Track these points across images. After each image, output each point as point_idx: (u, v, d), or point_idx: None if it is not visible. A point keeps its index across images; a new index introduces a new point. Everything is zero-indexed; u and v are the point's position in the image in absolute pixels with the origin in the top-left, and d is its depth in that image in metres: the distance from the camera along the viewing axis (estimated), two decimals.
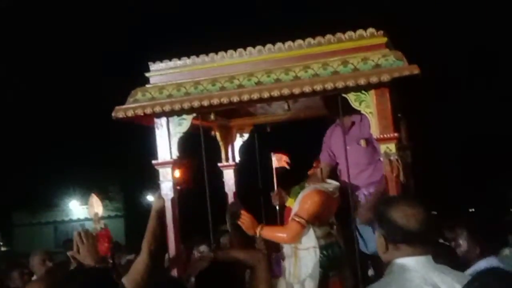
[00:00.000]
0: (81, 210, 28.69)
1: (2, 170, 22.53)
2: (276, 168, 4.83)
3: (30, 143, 24.10)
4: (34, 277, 5.07)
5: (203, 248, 7.91)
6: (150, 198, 32.18)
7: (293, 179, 4.78)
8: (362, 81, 3.50)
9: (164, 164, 3.99)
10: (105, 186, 28.34)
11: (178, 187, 4.07)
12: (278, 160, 4.85)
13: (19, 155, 23.97)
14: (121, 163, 24.80)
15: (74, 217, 28.64)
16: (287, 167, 4.84)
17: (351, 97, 3.64)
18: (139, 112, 3.91)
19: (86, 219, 27.92)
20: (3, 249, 18.76)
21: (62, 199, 28.50)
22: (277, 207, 4.71)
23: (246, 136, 5.05)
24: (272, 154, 4.84)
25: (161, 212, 3.84)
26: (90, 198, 3.86)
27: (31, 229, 27.68)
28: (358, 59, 3.62)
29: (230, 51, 3.92)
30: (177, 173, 4.07)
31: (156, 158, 4.03)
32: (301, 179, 4.54)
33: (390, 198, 3.21)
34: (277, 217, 4.77)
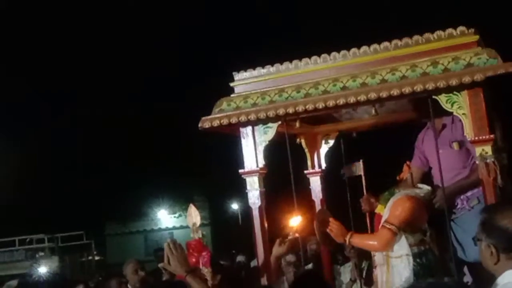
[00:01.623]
0: (169, 219, 29.42)
1: (95, 183, 23.48)
2: (357, 176, 4.73)
3: (120, 156, 24.98)
4: (129, 287, 5.21)
5: (289, 257, 7.89)
6: (234, 206, 32.62)
7: (381, 185, 4.67)
8: (454, 82, 3.35)
9: (250, 173, 3.98)
10: (191, 195, 28.93)
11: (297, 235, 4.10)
12: (349, 171, 4.75)
13: (109, 168, 24.89)
14: (206, 172, 25.23)
15: (163, 226, 29.39)
16: (361, 174, 4.72)
17: (442, 98, 3.49)
18: (225, 121, 3.92)
19: (174, 227, 28.72)
20: (96, 258, 19.48)
21: (151, 209, 29.33)
22: (367, 214, 4.61)
23: (331, 142, 4.97)
24: (357, 161, 4.74)
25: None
26: (189, 208, 3.91)
27: (122, 239, 28.64)
28: (448, 59, 3.47)
29: (314, 57, 3.87)
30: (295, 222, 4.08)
31: (242, 167, 4.03)
32: (389, 185, 4.42)
33: (494, 205, 3.03)
34: (365, 224, 4.67)
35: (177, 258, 3.36)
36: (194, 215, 3.82)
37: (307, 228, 4.32)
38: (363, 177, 4.74)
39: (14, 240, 16.66)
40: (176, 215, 29.59)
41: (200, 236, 3.73)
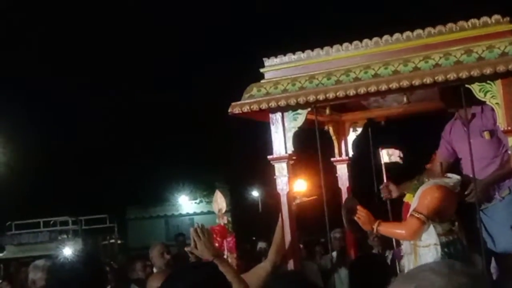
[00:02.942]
0: (190, 204, 29.63)
1: (117, 169, 23.69)
2: (387, 163, 4.71)
3: (142, 142, 25.16)
4: (155, 269, 5.26)
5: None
6: (255, 193, 32.71)
7: (407, 174, 4.65)
8: (488, 71, 3.32)
9: (279, 159, 3.98)
10: (211, 181, 29.06)
11: (305, 199, 4.06)
12: (391, 155, 4.72)
13: (131, 154, 25.10)
14: (228, 159, 25.31)
15: (184, 212, 29.61)
16: (400, 161, 4.71)
17: (475, 87, 3.46)
18: (255, 107, 3.92)
19: (195, 213, 28.92)
20: (119, 242, 19.70)
21: (172, 194, 29.55)
22: (388, 202, 4.61)
23: (359, 130, 4.95)
24: (380, 149, 4.72)
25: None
26: (215, 194, 3.94)
27: (144, 223, 28.91)
28: (482, 48, 3.43)
29: (345, 44, 3.85)
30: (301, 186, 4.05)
31: (270, 153, 4.03)
32: (415, 173, 4.40)
33: None
34: (392, 213, 4.66)
35: (204, 242, 3.38)
36: (220, 201, 3.84)
37: (314, 193, 4.31)
38: (383, 165, 4.72)
39: (39, 221, 16.88)
40: (197, 201, 29.78)
41: (226, 222, 3.75)
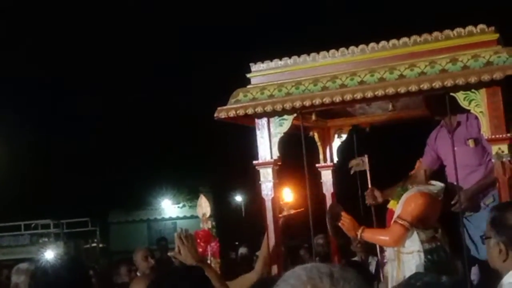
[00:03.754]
0: (173, 209, 29.49)
1: (99, 172, 23.55)
2: (358, 171, 4.74)
3: (125, 145, 25.03)
4: (138, 274, 5.24)
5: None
6: (238, 198, 32.68)
7: (391, 180, 4.68)
8: (473, 79, 3.35)
9: (265, 164, 3.99)
10: (195, 186, 28.97)
11: (292, 211, 4.06)
12: (357, 164, 4.75)
13: (113, 157, 24.95)
14: (211, 163, 25.27)
15: (166, 216, 29.44)
16: (366, 168, 4.73)
17: (460, 96, 3.49)
18: (241, 112, 3.92)
19: (178, 217, 28.79)
20: (100, 245, 19.58)
21: (155, 198, 29.38)
22: (372, 208, 4.63)
23: (344, 136, 4.98)
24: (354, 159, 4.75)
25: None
26: (199, 198, 3.93)
27: (126, 227, 28.67)
28: (468, 57, 3.47)
29: (332, 51, 3.87)
30: (288, 197, 4.05)
31: (256, 158, 4.03)
32: (399, 180, 4.43)
33: (505, 203, 3.05)
34: (376, 219, 4.68)
35: (187, 248, 3.38)
36: (204, 206, 3.84)
37: (301, 204, 4.31)
38: (368, 172, 4.75)
39: (20, 224, 16.73)
40: (180, 205, 29.63)
41: (210, 226, 3.75)
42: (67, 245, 15.83)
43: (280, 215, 4.02)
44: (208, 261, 3.78)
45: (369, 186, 4.67)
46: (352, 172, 4.82)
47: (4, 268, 9.28)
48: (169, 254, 3.53)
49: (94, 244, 18.31)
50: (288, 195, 4.15)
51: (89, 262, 11.73)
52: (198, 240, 3.82)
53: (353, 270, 1.38)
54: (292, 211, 4.12)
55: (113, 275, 5.12)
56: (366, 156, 4.75)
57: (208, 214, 3.83)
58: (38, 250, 13.85)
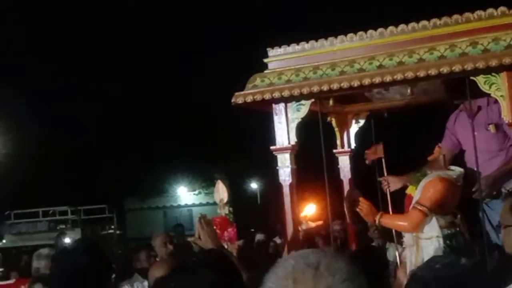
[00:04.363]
0: (189, 196, 29.63)
1: (115, 159, 23.69)
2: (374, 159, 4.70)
3: (141, 132, 25.12)
4: (158, 259, 5.27)
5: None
6: (253, 185, 32.73)
7: (410, 165, 4.64)
8: (493, 63, 3.30)
9: (282, 150, 3.97)
10: (211, 173, 29.05)
11: (312, 224, 4.03)
12: (372, 153, 4.70)
13: (130, 144, 25.07)
14: (227, 150, 25.29)
15: (182, 203, 29.60)
16: (382, 156, 4.69)
17: (480, 80, 3.44)
18: (258, 97, 3.90)
19: (194, 205, 28.92)
20: (117, 232, 19.74)
21: (170, 186, 29.53)
22: (388, 195, 4.60)
23: (362, 122, 4.94)
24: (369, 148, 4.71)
25: None
26: (216, 184, 3.93)
27: (142, 214, 28.88)
28: (488, 40, 3.41)
29: (350, 35, 3.83)
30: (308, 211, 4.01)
31: (273, 144, 4.01)
32: (418, 165, 4.40)
33: None
34: (393, 204, 4.66)
35: (207, 233, 3.38)
36: (221, 191, 3.84)
37: (322, 217, 4.28)
38: (383, 159, 4.72)
39: (38, 211, 16.90)
40: (196, 192, 29.76)
41: (227, 212, 3.75)
42: (85, 232, 15.97)
43: (300, 229, 4.01)
44: (225, 246, 3.79)
45: (385, 173, 4.64)
46: (368, 162, 4.77)
47: (24, 254, 9.42)
48: (189, 239, 3.54)
49: (111, 231, 18.45)
50: (309, 208, 4.12)
51: (106, 248, 11.81)
52: (215, 227, 3.82)
53: (346, 261, 1.35)
54: (311, 224, 4.11)
55: (133, 260, 5.15)
56: (381, 143, 4.71)
57: (225, 200, 3.84)
58: (56, 236, 13.99)
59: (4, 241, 16.44)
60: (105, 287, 2.72)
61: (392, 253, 5.48)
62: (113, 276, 3.78)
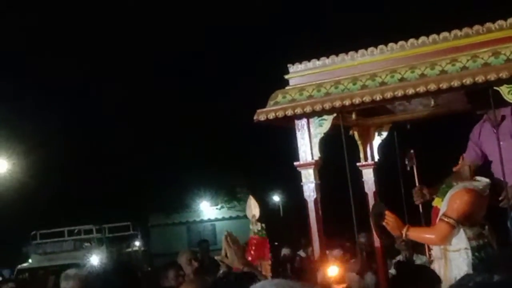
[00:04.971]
0: (212, 211, 29.70)
1: (138, 176, 23.85)
2: (413, 167, 4.67)
3: (162, 148, 25.27)
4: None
5: (336, 252, 7.88)
6: (276, 198, 32.68)
7: (434, 176, 4.61)
8: None
9: (306, 165, 3.96)
10: (233, 187, 29.11)
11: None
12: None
13: (152, 161, 25.21)
14: (248, 164, 25.32)
15: (205, 218, 29.69)
16: (414, 165, 4.66)
17: (503, 89, 3.41)
18: (280, 114, 3.91)
19: (216, 219, 28.97)
20: (142, 249, 19.81)
21: (193, 201, 29.63)
22: (420, 206, 4.56)
23: (384, 134, 4.92)
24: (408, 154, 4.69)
25: None
26: (248, 200, 3.94)
27: (166, 230, 29.04)
28: (511, 49, 3.39)
29: (370, 48, 3.83)
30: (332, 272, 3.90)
31: (296, 159, 4.01)
32: (444, 176, 4.37)
33: None
34: (418, 217, 4.63)
35: (234, 251, 3.39)
36: (253, 207, 3.85)
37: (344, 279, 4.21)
38: (415, 168, 4.69)
39: (63, 230, 17.04)
40: (218, 206, 29.84)
41: (259, 228, 3.75)
42: (110, 250, 16.06)
43: None
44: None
45: (417, 183, 4.60)
46: (409, 167, 4.72)
47: (51, 274, 9.50)
48: (216, 258, 3.54)
49: (136, 248, 18.53)
50: (333, 270, 4.08)
51: (134, 266, 11.87)
52: (252, 247, 3.81)
53: None
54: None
55: (161, 278, 5.17)
56: (412, 152, 4.70)
57: (257, 216, 3.84)
58: (82, 255, 14.09)
59: (30, 261, 16.58)
60: None
61: None
62: None
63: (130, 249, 18.04)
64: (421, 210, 4.54)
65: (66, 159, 22.15)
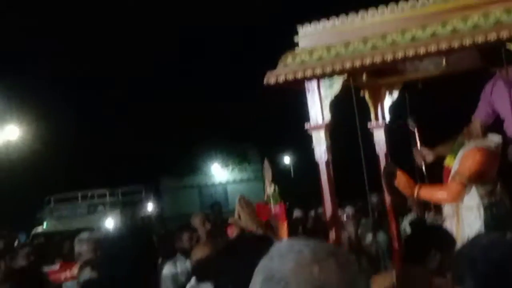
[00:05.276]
0: (223, 173, 29.87)
1: (150, 140, 23.98)
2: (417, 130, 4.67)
3: (175, 112, 25.32)
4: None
5: (348, 209, 7.94)
6: (286, 159, 32.79)
7: (446, 135, 4.60)
8: None
9: (317, 127, 3.96)
10: (244, 149, 29.20)
11: None
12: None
13: (163, 125, 25.30)
14: (259, 126, 25.35)
15: (217, 181, 29.89)
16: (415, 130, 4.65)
17: None
18: (290, 76, 3.89)
19: (228, 182, 29.18)
20: (155, 212, 20.03)
21: (205, 163, 29.80)
22: (423, 167, 4.57)
23: (395, 95, 4.90)
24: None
25: None
26: (264, 163, 3.95)
27: (178, 193, 29.28)
28: None
29: (380, 8, 3.78)
30: None
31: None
32: (454, 135, 4.35)
33: None
34: (430, 177, 4.64)
35: (248, 213, 3.43)
36: (267, 170, 3.87)
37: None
38: (416, 132, 4.69)
39: (77, 195, 17.22)
40: (230, 169, 30.01)
41: (273, 191, 3.77)
42: (124, 213, 16.26)
43: None
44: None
45: (418, 146, 4.60)
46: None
47: (66, 239, 9.64)
48: (229, 220, 3.58)
49: (149, 211, 18.75)
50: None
51: (149, 229, 12.02)
52: (259, 213, 3.84)
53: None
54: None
55: (175, 241, 5.26)
56: (413, 117, 4.68)
57: (270, 179, 3.86)
58: (96, 219, 14.28)
59: (45, 226, 16.80)
60: (152, 269, 2.80)
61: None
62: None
63: (143, 212, 18.26)
64: (424, 171, 4.54)
65: (78, 126, 22.28)
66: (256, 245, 2.22)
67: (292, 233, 4.02)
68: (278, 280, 1.26)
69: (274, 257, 1.31)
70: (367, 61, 3.66)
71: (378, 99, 4.86)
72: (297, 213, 9.33)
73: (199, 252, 3.65)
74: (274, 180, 4.11)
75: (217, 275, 2.06)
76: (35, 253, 5.54)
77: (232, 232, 4.03)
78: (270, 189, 3.79)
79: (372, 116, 4.88)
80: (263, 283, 1.28)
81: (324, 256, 1.29)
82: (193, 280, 3.58)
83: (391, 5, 3.75)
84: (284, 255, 1.30)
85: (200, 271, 3.58)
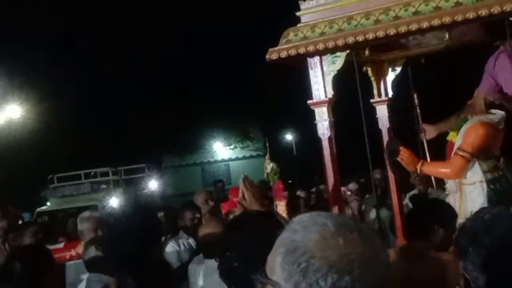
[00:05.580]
0: (225, 151, 29.89)
1: (152, 118, 23.95)
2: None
3: (175, 90, 25.24)
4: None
5: (352, 185, 7.96)
6: (289, 137, 32.78)
7: (449, 111, 4.58)
8: None
9: (319, 103, 3.95)
10: (246, 127, 29.19)
11: None
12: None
13: (165, 102, 25.25)
14: (260, 103, 25.29)
15: (219, 158, 29.92)
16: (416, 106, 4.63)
17: None
18: (293, 52, 3.86)
19: (230, 159, 29.19)
20: (158, 190, 20.09)
21: (207, 141, 29.80)
22: (425, 143, 4.57)
23: (398, 70, 4.87)
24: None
25: None
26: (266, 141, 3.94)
27: (180, 171, 29.34)
28: None
29: None
30: None
31: (310, 97, 3.99)
32: (457, 110, 4.34)
33: None
34: (433, 152, 4.64)
35: (252, 193, 3.41)
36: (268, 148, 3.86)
37: None
38: (418, 108, 4.67)
39: (80, 173, 17.26)
40: (232, 146, 30.02)
41: (272, 168, 3.77)
42: (127, 191, 16.32)
43: None
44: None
45: (420, 122, 4.60)
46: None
47: (70, 217, 9.71)
48: (234, 200, 3.57)
49: (152, 189, 18.82)
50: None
51: (152, 207, 12.07)
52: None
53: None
54: None
55: (178, 218, 5.28)
56: (415, 93, 4.67)
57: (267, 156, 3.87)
58: (100, 197, 14.32)
59: (49, 204, 16.88)
60: (155, 246, 2.81)
61: None
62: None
63: (146, 190, 18.31)
64: (426, 146, 4.54)
65: (79, 104, 22.25)
66: (262, 221, 2.22)
67: (293, 210, 4.02)
68: (303, 252, 1.25)
69: (297, 230, 1.30)
70: (370, 36, 3.63)
71: (381, 74, 4.84)
72: (300, 193, 9.35)
73: (205, 229, 3.67)
74: (271, 158, 4.11)
75: (223, 251, 2.07)
76: (41, 231, 5.56)
77: (226, 209, 4.05)
78: (269, 166, 3.78)
79: (375, 91, 4.86)
80: (286, 255, 1.27)
81: (348, 229, 1.28)
82: (199, 256, 3.60)
83: None
84: (308, 227, 1.29)
85: (206, 247, 3.60)
